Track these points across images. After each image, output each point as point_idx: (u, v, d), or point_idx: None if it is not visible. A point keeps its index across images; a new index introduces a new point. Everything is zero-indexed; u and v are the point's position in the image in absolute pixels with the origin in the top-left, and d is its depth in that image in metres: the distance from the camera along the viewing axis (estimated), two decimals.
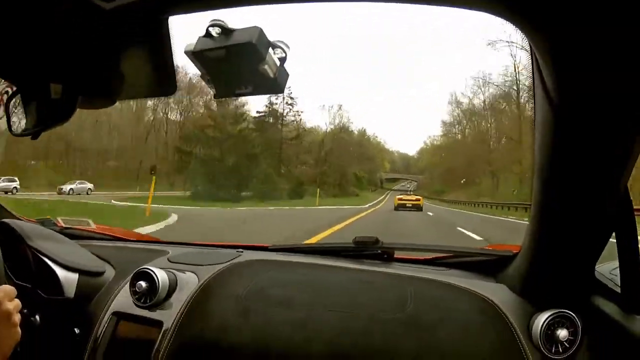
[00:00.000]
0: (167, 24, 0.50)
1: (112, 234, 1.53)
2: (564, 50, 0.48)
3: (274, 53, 0.48)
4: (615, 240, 0.79)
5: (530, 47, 0.53)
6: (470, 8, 0.46)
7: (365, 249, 1.20)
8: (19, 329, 0.77)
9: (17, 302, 0.78)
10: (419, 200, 23.27)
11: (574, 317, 0.87)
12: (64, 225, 1.48)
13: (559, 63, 0.51)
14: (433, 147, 70.81)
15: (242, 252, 1.26)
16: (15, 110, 0.63)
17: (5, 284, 1.08)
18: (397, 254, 1.20)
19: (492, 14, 0.46)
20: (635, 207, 0.77)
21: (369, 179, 66.77)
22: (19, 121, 0.63)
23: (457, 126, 60.16)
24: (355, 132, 67.17)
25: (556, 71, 0.52)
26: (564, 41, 0.46)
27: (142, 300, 1.07)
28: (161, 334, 1.01)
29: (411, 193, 51.17)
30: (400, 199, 23.53)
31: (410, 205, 22.10)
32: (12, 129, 0.63)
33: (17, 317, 0.77)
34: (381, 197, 50.30)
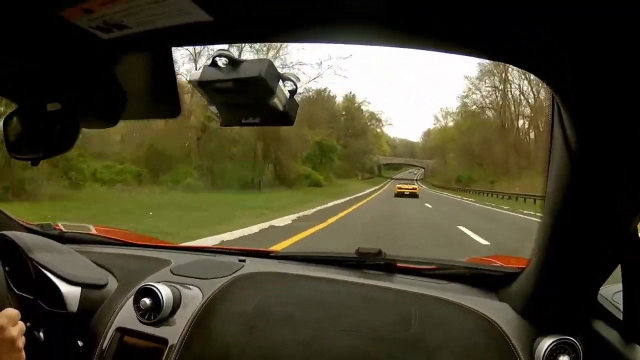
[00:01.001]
0: (170, 51, 0.49)
1: (112, 237, 1.52)
2: (584, 103, 0.47)
3: (284, 86, 0.47)
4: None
5: (552, 96, 0.52)
6: (495, 59, 0.46)
7: (368, 260, 1.20)
8: (23, 354, 0.77)
9: (21, 325, 0.78)
10: (415, 189, 28.18)
11: (576, 343, 0.88)
12: (63, 229, 1.48)
13: (579, 114, 0.50)
14: (447, 129, 61.52)
15: (244, 261, 1.26)
16: (13, 131, 0.60)
17: (7, 297, 1.09)
18: (400, 265, 1.21)
19: (525, 70, 0.46)
20: None
21: (355, 162, 55.76)
22: (18, 145, 0.60)
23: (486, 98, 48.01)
24: (338, 98, 56.44)
25: (575, 120, 0.51)
26: (585, 94, 0.46)
27: (146, 317, 1.07)
28: (167, 350, 1.02)
29: (417, 182, 49.40)
30: (400, 188, 27.89)
31: (407, 193, 26.39)
32: (11, 152, 0.60)
33: (21, 342, 0.77)
34: (368, 191, 33.36)
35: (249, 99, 0.47)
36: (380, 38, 0.43)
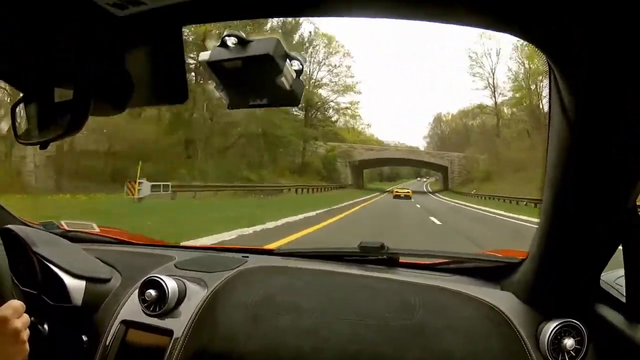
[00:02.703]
0: (180, 32, 0.50)
1: (115, 237, 1.52)
2: (583, 72, 0.48)
3: (291, 65, 0.48)
4: (620, 248, 0.80)
5: (550, 68, 0.54)
6: (486, 28, 0.46)
7: (370, 254, 1.21)
8: (27, 346, 0.76)
9: (25, 317, 0.77)
10: (408, 192, 32.34)
11: (580, 326, 0.89)
12: (67, 228, 1.48)
13: (577, 84, 0.51)
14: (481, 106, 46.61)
15: (247, 257, 1.26)
16: (22, 117, 0.61)
17: (12, 291, 1.09)
18: (402, 259, 1.21)
19: (507, 33, 0.46)
20: None
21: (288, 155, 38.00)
22: (26, 129, 0.61)
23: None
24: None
25: (572, 84, 0.52)
26: (584, 63, 0.47)
27: (151, 309, 1.07)
28: (172, 342, 1.02)
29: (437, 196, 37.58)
30: (397, 191, 32.28)
31: (403, 195, 30.73)
32: (19, 137, 0.61)
33: (25, 334, 0.76)
34: None
35: (257, 79, 0.48)
36: (382, 9, 0.44)
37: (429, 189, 52.69)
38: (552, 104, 0.61)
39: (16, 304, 0.77)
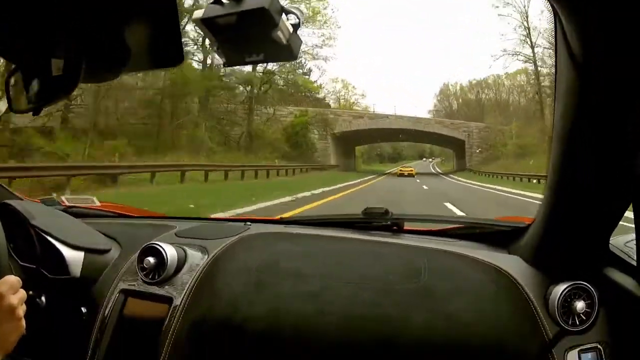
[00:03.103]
0: None
1: (117, 211, 1.51)
2: (591, 9, 0.46)
3: (287, 19, 0.47)
4: (628, 214, 0.77)
5: (555, 15, 0.52)
6: None
7: (374, 220, 1.18)
8: (23, 322, 0.75)
9: (22, 293, 0.75)
10: (412, 170, 32.17)
11: (590, 288, 0.86)
12: (68, 204, 1.47)
13: (585, 23, 0.48)
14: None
15: (250, 225, 1.24)
16: (15, 87, 0.61)
17: (9, 266, 1.08)
18: (407, 226, 1.19)
19: None
20: None
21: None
22: (19, 97, 0.60)
23: None
24: None
25: (582, 33, 0.50)
26: (597, 10, 0.45)
27: (150, 277, 1.06)
28: (171, 310, 1.01)
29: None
30: (401, 170, 32.41)
31: (406, 174, 30.54)
32: (13, 106, 0.61)
33: (21, 310, 0.74)
34: None
35: (252, 34, 0.47)
36: None
37: (437, 169, 44.83)
38: (559, 56, 0.59)
39: (12, 279, 0.75)
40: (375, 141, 46.20)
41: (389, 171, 36.77)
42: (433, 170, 41.40)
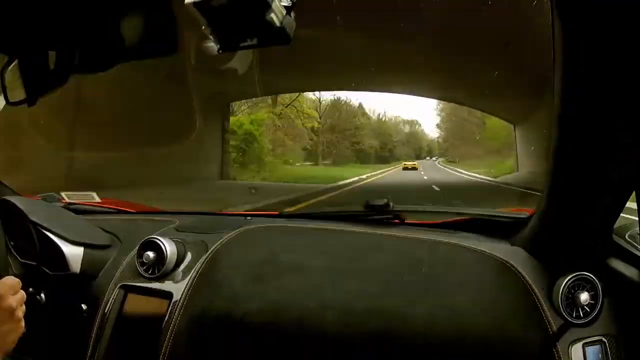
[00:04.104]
0: None
1: (117, 207, 1.51)
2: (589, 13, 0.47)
3: (280, 0, 0.46)
4: (631, 205, 0.76)
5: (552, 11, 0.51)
6: None
7: (376, 213, 1.17)
8: (22, 323, 0.74)
9: (21, 294, 0.75)
10: (415, 164, 31.98)
11: (594, 280, 0.85)
12: (67, 200, 1.47)
13: (584, 25, 0.49)
14: None
15: (250, 219, 1.23)
16: (11, 79, 0.61)
17: (9, 263, 1.08)
18: (409, 219, 1.17)
19: None
20: None
21: None
22: (14, 89, 0.61)
23: None
24: None
25: (580, 19, 0.49)
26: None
27: (149, 272, 1.05)
28: (171, 305, 1.00)
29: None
30: (405, 164, 32.02)
31: (410, 167, 30.74)
32: (7, 97, 0.61)
33: (21, 311, 0.74)
34: None
35: (245, 16, 0.46)
36: None
37: (445, 166, 39.89)
38: (556, 41, 0.58)
39: (11, 280, 0.74)
40: None
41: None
42: (441, 167, 38.49)
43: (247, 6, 0.45)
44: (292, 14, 0.48)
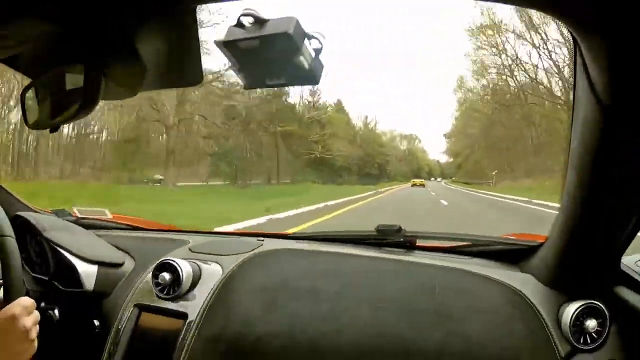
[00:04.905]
0: (194, 12, 0.49)
1: (129, 223, 1.51)
2: (619, 51, 0.46)
3: (310, 44, 0.47)
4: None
5: (575, 44, 0.52)
6: (522, 5, 0.45)
7: (387, 237, 1.19)
8: (35, 344, 0.75)
9: (35, 315, 0.76)
10: (422, 182, 36.74)
11: (602, 307, 0.87)
12: (79, 215, 1.47)
13: (614, 64, 0.49)
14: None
15: (263, 240, 1.24)
16: (31, 102, 0.60)
17: (22, 279, 1.08)
18: (419, 243, 1.19)
19: (544, 12, 0.46)
20: None
21: None
22: (36, 114, 0.60)
23: None
24: None
25: (609, 72, 0.50)
26: (620, 42, 0.45)
27: (165, 292, 1.06)
28: (185, 326, 1.01)
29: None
30: (414, 182, 36.30)
31: (418, 184, 34.85)
32: (28, 121, 0.60)
33: (34, 332, 0.74)
34: None
35: (275, 58, 0.47)
36: None
37: (450, 185, 38.91)
38: (578, 82, 0.59)
39: (26, 301, 0.75)
40: None
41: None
42: (446, 186, 39.24)
43: (277, 49, 0.46)
44: (320, 57, 0.48)
